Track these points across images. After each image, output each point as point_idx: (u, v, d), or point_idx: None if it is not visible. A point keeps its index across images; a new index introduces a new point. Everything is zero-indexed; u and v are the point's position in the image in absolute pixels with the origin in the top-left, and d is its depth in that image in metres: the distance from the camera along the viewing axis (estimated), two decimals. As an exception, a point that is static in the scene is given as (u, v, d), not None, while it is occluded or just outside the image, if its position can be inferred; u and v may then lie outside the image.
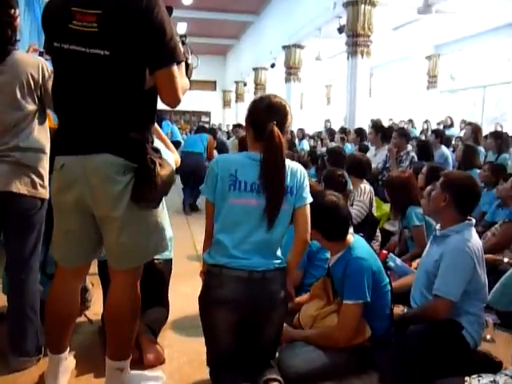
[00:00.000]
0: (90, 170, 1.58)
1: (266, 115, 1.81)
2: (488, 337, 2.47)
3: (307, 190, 1.84)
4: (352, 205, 3.63)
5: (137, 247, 1.69)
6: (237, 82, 17.55)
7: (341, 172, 3.28)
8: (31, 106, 1.95)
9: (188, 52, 1.98)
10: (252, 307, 1.74)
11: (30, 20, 5.32)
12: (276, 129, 1.76)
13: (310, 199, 1.84)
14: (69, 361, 1.93)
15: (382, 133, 5.69)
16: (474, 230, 2.20)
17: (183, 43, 2.03)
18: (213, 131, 8.72)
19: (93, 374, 2.03)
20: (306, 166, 6.29)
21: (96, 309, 2.62)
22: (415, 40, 11.61)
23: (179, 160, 2.68)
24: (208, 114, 21.17)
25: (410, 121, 10.82)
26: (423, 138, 9.35)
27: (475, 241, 2.13)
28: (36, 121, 2.00)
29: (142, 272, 1.78)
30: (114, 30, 1.51)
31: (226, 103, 20.31)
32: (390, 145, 5.29)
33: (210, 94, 21.05)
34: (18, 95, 1.93)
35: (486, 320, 2.63)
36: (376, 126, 5.97)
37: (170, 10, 1.71)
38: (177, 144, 9.30)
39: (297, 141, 9.20)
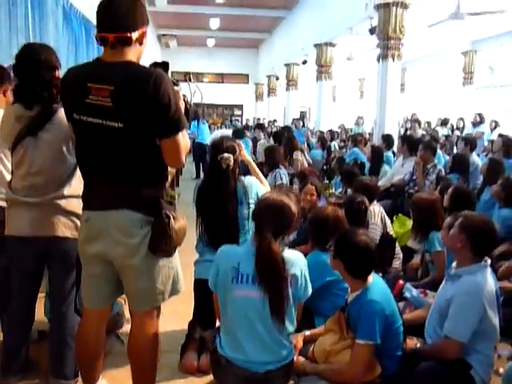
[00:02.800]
0: (111, 224, 1.78)
1: (262, 215, 1.97)
2: (501, 370, 2.53)
3: (308, 284, 2.00)
4: (367, 228, 3.72)
5: (154, 291, 1.88)
6: (269, 76, 17.56)
7: (360, 199, 3.35)
8: (74, 159, 2.13)
9: (190, 92, 2.17)
10: None
11: (68, 34, 5.58)
12: (269, 239, 1.89)
13: (309, 293, 2.01)
14: (101, 388, 2.15)
15: (410, 143, 5.70)
16: (488, 270, 2.25)
17: (190, 80, 2.23)
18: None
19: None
20: (333, 174, 6.39)
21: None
22: (451, 36, 11.33)
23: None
24: (240, 107, 21.31)
25: (444, 122, 10.62)
26: (458, 135, 9.28)
27: (488, 283, 2.18)
28: (78, 170, 2.18)
29: (160, 312, 1.97)
30: (125, 106, 1.69)
31: (259, 96, 20.35)
32: (416, 158, 5.30)
33: (243, 86, 21.17)
34: (64, 150, 2.13)
35: (499, 354, 2.70)
36: (404, 136, 5.97)
37: (166, 66, 1.89)
38: (203, 146, 9.50)
39: (328, 142, 9.23)
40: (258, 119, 16.47)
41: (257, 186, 2.71)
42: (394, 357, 2.15)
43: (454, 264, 2.36)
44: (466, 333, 2.11)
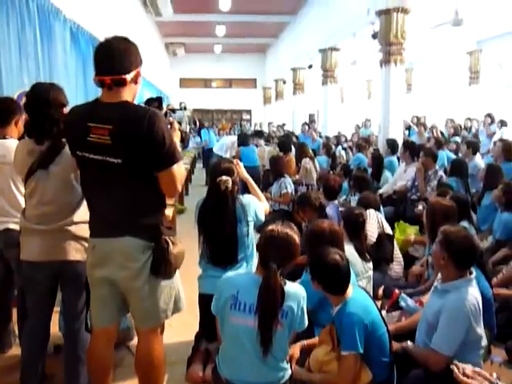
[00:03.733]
0: (115, 250, 1.96)
1: (267, 247, 2.07)
2: (494, 375, 2.63)
3: (304, 316, 2.09)
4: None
5: (157, 310, 2.06)
6: (276, 81, 17.70)
7: (359, 211, 3.47)
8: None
9: (185, 121, 2.34)
10: None
11: (76, 54, 5.78)
12: (274, 273, 1.97)
13: (305, 325, 2.10)
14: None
15: (412, 150, 5.80)
16: (473, 283, 2.36)
17: (185, 108, 2.42)
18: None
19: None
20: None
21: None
22: (455, 36, 11.36)
23: (268, 208, 3.05)
24: (249, 112, 21.46)
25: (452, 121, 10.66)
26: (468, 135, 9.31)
27: (472, 297, 2.29)
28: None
29: (164, 328, 2.15)
30: (123, 143, 1.85)
31: (267, 100, 20.46)
32: (417, 164, 5.40)
33: (251, 91, 21.32)
34: (73, 181, 2.30)
35: (492, 360, 2.80)
36: (406, 143, 6.07)
37: (160, 100, 2.06)
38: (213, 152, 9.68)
39: (333, 147, 9.33)
40: (270, 123, 16.57)
41: (255, 204, 2.85)
42: (382, 363, 2.28)
43: (439, 276, 2.48)
44: (453, 348, 2.23)
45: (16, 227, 2.54)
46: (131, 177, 1.91)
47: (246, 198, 2.84)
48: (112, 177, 1.91)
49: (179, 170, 1.97)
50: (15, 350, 2.81)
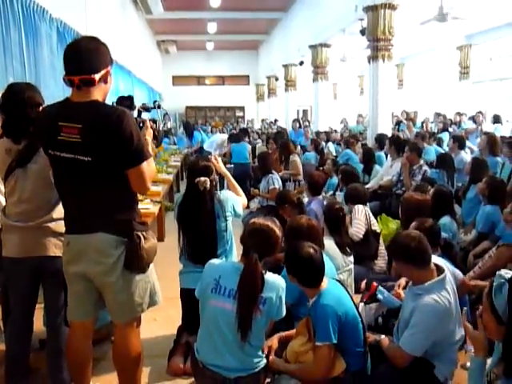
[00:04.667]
0: (88, 246, 2.01)
1: (249, 238, 2.19)
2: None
3: (282, 306, 2.19)
4: (351, 224, 3.91)
5: (133, 304, 2.11)
6: (268, 77, 17.73)
7: (339, 206, 3.53)
8: None
9: (160, 118, 2.40)
10: None
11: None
12: (255, 261, 2.10)
13: (283, 314, 2.20)
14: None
15: (397, 145, 5.86)
16: (446, 282, 2.37)
17: (159, 107, 2.47)
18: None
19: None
20: (329, 176, 6.56)
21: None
22: (445, 31, 11.43)
23: (246, 202, 3.14)
24: (242, 109, 21.46)
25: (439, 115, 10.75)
26: (457, 130, 9.39)
27: (444, 299, 2.29)
28: None
29: (140, 322, 2.20)
30: (92, 141, 1.90)
31: (260, 97, 20.52)
32: (402, 159, 5.47)
33: (244, 88, 21.34)
34: (52, 178, 2.34)
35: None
36: (391, 138, 6.14)
37: (131, 99, 2.10)
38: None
39: (323, 143, 9.40)
40: (263, 120, 16.64)
41: (232, 199, 2.91)
42: (356, 353, 2.34)
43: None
44: (420, 349, 2.28)
45: None
46: (101, 174, 1.95)
47: (223, 194, 2.90)
48: (83, 175, 1.96)
49: (148, 167, 2.01)
50: (1, 346, 2.85)
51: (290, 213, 3.94)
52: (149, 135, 2.24)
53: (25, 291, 2.48)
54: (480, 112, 9.84)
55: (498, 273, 1.71)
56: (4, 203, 2.50)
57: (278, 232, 2.24)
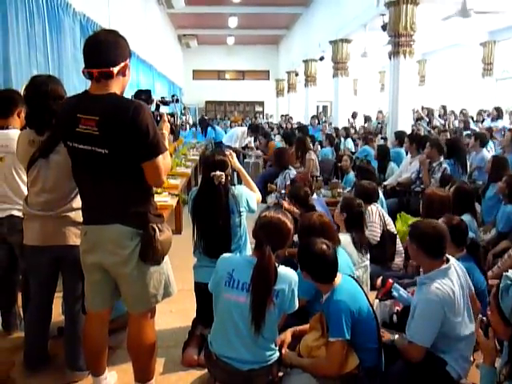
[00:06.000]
0: (105, 237, 2.04)
1: (261, 231, 2.20)
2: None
3: (295, 299, 2.20)
4: (367, 227, 3.87)
5: (147, 295, 2.13)
6: (288, 73, 17.66)
7: (359, 201, 3.48)
8: None
9: (176, 113, 2.42)
10: None
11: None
12: (268, 254, 2.12)
13: (295, 307, 2.20)
14: (109, 379, 2.41)
15: (417, 142, 5.80)
16: (451, 272, 2.38)
17: (177, 101, 2.48)
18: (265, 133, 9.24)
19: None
20: (346, 172, 6.52)
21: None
22: (468, 27, 11.21)
23: (260, 198, 3.11)
24: (261, 104, 21.44)
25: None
26: (477, 128, 9.24)
27: (447, 287, 2.30)
28: None
29: (155, 313, 2.23)
30: (109, 133, 1.92)
31: (280, 92, 20.44)
32: (421, 156, 5.41)
33: (264, 83, 21.29)
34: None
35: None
36: (411, 135, 6.07)
37: (149, 93, 2.11)
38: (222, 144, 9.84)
39: (342, 139, 9.34)
40: (282, 116, 16.63)
41: (247, 194, 2.91)
42: (370, 349, 2.34)
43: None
44: (427, 338, 2.28)
45: (19, 214, 2.66)
46: (118, 167, 1.98)
47: (238, 189, 2.90)
48: (100, 167, 1.98)
49: (164, 161, 2.02)
50: (21, 332, 2.93)
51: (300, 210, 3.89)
52: (166, 129, 2.26)
53: (44, 279, 2.54)
54: (497, 108, 9.63)
55: (504, 274, 1.70)
56: (26, 193, 2.57)
57: (290, 224, 2.25)
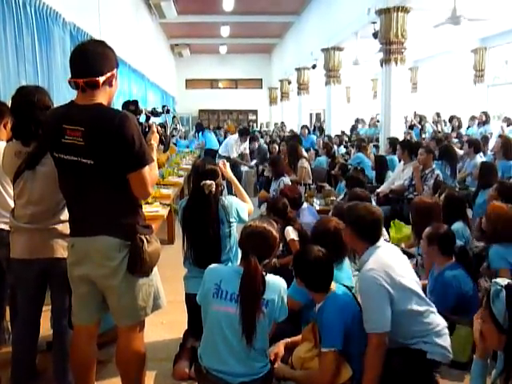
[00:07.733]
0: (92, 249, 2.00)
1: (246, 241, 2.19)
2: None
3: (284, 307, 2.18)
4: None
5: (136, 308, 2.09)
6: (281, 81, 17.73)
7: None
8: None
9: (167, 123, 2.40)
10: None
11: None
12: (254, 263, 2.09)
13: (285, 315, 2.18)
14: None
15: (409, 148, 5.79)
16: (381, 249, 2.34)
17: (168, 111, 2.46)
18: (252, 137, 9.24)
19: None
20: (337, 180, 6.52)
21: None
22: (459, 34, 11.29)
23: (252, 209, 3.05)
24: (255, 112, 21.49)
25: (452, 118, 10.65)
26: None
27: (381, 263, 2.26)
28: None
29: (144, 326, 2.18)
30: (94, 144, 1.90)
31: (273, 100, 20.51)
32: (414, 162, 5.40)
33: (257, 91, 21.36)
34: None
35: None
36: (403, 142, 6.08)
37: (136, 104, 2.09)
38: (213, 152, 9.83)
39: (335, 147, 9.34)
40: (276, 124, 16.64)
41: (237, 205, 2.88)
42: (363, 359, 2.28)
43: None
44: (383, 322, 2.20)
45: (5, 227, 2.61)
46: (104, 178, 1.95)
47: (228, 200, 2.88)
48: (86, 178, 1.96)
49: (150, 172, 1.99)
50: (9, 347, 2.87)
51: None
52: (154, 140, 2.24)
53: (32, 293, 2.49)
54: (485, 113, 9.72)
55: (493, 280, 1.69)
56: (12, 205, 2.52)
57: (275, 233, 2.23)
